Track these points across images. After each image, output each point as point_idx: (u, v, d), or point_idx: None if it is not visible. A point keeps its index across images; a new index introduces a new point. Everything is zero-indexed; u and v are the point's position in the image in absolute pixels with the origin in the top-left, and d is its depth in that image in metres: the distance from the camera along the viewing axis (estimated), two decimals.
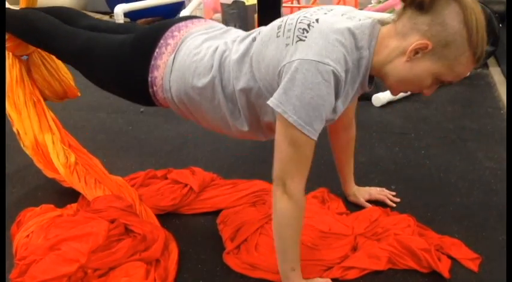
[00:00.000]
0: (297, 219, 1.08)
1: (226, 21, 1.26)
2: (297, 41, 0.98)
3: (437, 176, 1.73)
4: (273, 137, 1.18)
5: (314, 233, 1.34)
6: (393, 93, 1.13)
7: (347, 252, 1.28)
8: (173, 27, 1.20)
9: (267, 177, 1.63)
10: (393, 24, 1.03)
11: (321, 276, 1.21)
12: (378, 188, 1.58)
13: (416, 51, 0.99)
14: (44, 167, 1.58)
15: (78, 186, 1.52)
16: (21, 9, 1.53)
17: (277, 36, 1.03)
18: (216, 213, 1.48)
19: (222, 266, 1.27)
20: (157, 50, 1.17)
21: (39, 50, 1.57)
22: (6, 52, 1.53)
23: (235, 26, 1.87)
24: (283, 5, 3.64)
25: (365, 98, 2.40)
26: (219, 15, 3.92)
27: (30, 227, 1.34)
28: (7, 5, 1.52)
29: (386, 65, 1.04)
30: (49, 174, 1.58)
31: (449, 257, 1.27)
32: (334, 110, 1.04)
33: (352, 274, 1.22)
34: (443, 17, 0.95)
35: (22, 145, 1.57)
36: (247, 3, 3.66)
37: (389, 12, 3.38)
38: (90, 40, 1.29)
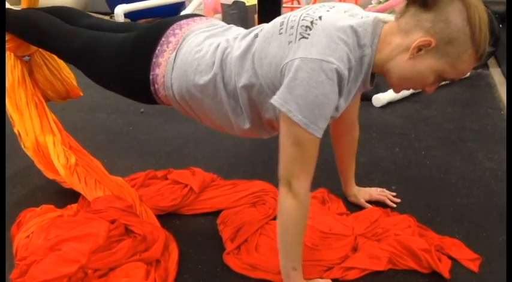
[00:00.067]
0: (301, 218, 1.08)
1: (226, 22, 1.27)
2: (300, 38, 0.98)
3: (437, 177, 1.73)
4: (274, 134, 1.19)
5: (314, 233, 1.34)
6: (395, 90, 1.13)
7: (347, 253, 1.28)
8: (174, 25, 1.20)
9: (267, 177, 1.64)
10: (396, 21, 1.04)
11: (321, 277, 1.21)
12: (378, 189, 1.58)
13: (419, 48, 0.99)
14: (45, 168, 1.58)
15: (79, 187, 1.52)
16: (23, 9, 1.53)
17: (279, 33, 1.03)
18: (216, 213, 1.48)
19: (222, 266, 1.27)
20: (158, 47, 1.17)
21: (41, 50, 1.57)
22: (8, 53, 1.53)
23: None
24: (284, 5, 3.64)
25: (365, 99, 2.40)
26: (219, 16, 3.93)
27: (31, 228, 1.34)
28: (8, 6, 1.51)
29: (389, 62, 1.04)
30: (50, 175, 1.58)
31: (450, 257, 1.27)
32: (337, 108, 1.04)
33: (353, 274, 1.22)
34: (446, 14, 0.95)
35: (23, 146, 1.57)
36: (247, 4, 3.67)
37: (389, 13, 3.38)
38: (91, 39, 1.29)
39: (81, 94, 1.73)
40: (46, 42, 1.40)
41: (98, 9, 4.71)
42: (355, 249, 1.31)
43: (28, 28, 1.43)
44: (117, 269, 1.21)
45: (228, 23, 1.29)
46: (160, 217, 1.44)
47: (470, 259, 1.27)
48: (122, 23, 1.68)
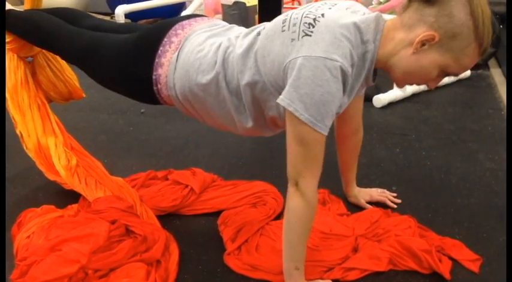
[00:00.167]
0: (307, 217, 1.08)
1: (227, 22, 1.27)
2: (303, 36, 0.98)
3: (438, 177, 1.73)
4: (277, 132, 1.19)
5: (315, 234, 1.34)
6: (399, 85, 1.13)
7: (348, 253, 1.28)
8: (177, 26, 1.20)
9: (268, 177, 1.64)
10: (398, 17, 1.04)
11: (321, 277, 1.21)
12: (379, 190, 1.58)
13: (423, 43, 0.99)
14: (46, 170, 1.59)
15: (79, 188, 1.52)
16: (26, 10, 1.53)
17: (282, 31, 1.03)
18: (217, 214, 1.48)
19: (223, 266, 1.27)
20: (161, 48, 1.17)
21: (44, 51, 1.57)
22: (11, 54, 1.53)
23: None
24: (284, 5, 3.64)
25: (366, 99, 2.39)
26: (219, 16, 3.93)
27: (31, 228, 1.34)
28: (11, 7, 1.51)
29: (392, 57, 1.04)
30: (51, 176, 1.58)
31: (450, 258, 1.27)
32: (340, 105, 1.04)
33: (353, 275, 1.22)
34: (450, 8, 0.95)
35: (25, 147, 1.57)
36: (248, 4, 3.67)
37: (390, 13, 3.38)
38: (93, 40, 1.29)
39: (84, 95, 1.73)
40: (49, 43, 1.40)
41: (99, 10, 4.71)
42: (355, 250, 1.31)
43: (31, 29, 1.44)
44: (117, 269, 1.20)
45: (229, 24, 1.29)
46: (160, 217, 1.44)
47: (470, 260, 1.27)
48: (124, 23, 1.69)
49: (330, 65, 0.95)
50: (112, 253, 1.22)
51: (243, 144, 1.99)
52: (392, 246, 1.28)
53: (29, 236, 1.31)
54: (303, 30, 0.99)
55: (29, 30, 1.45)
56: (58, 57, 1.58)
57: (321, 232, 1.36)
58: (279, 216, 1.45)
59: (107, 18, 4.30)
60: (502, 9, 2.64)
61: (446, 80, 2.69)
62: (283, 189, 1.50)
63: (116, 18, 3.50)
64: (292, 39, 1.00)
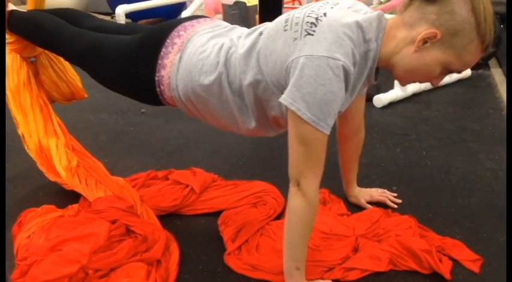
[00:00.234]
0: (308, 217, 1.08)
1: (227, 22, 1.26)
2: (306, 35, 0.99)
3: (438, 177, 1.72)
4: (280, 132, 1.19)
5: (315, 234, 1.34)
6: (401, 83, 1.13)
7: (348, 253, 1.28)
8: (179, 27, 1.20)
9: (268, 177, 1.64)
10: (400, 15, 1.04)
11: (322, 278, 1.21)
12: (379, 190, 1.58)
13: (425, 41, 0.99)
14: (47, 170, 1.59)
15: (79, 188, 1.52)
16: (29, 11, 1.53)
17: (284, 30, 1.03)
18: (217, 214, 1.48)
19: (223, 266, 1.27)
20: (163, 49, 1.17)
21: (46, 51, 1.57)
22: (14, 54, 1.53)
23: None
24: (285, 5, 3.64)
25: (366, 99, 2.39)
26: (220, 16, 3.92)
27: (32, 228, 1.34)
28: (14, 7, 1.52)
29: (395, 56, 1.05)
30: (51, 177, 1.59)
31: (451, 258, 1.27)
32: (343, 104, 1.04)
33: (353, 275, 1.22)
34: (451, 5, 0.95)
35: (26, 148, 1.58)
36: (248, 4, 3.67)
37: (390, 13, 3.38)
38: (96, 41, 1.29)
39: (86, 95, 1.73)
40: (51, 43, 1.41)
41: (99, 10, 4.71)
42: (356, 250, 1.31)
43: (34, 30, 1.44)
44: (118, 269, 1.20)
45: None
46: (161, 217, 1.44)
47: (471, 260, 1.27)
48: (126, 24, 1.69)
49: (333, 64, 0.95)
50: (112, 253, 1.22)
51: (244, 144, 1.99)
52: (393, 246, 1.28)
53: (29, 236, 1.31)
54: (305, 30, 0.99)
55: (31, 30, 1.45)
56: (61, 58, 1.58)
57: (322, 232, 1.36)
58: (280, 216, 1.45)
59: (107, 18, 4.30)
60: (502, 9, 2.64)
61: (447, 79, 2.69)
62: (283, 189, 1.50)
63: (117, 18, 3.49)
64: (295, 39, 1.00)
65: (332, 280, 1.20)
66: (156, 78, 1.18)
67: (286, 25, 1.03)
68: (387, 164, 1.83)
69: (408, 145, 2.00)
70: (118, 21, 3.42)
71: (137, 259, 1.23)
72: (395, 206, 1.52)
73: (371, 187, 1.58)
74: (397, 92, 2.48)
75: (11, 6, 1.49)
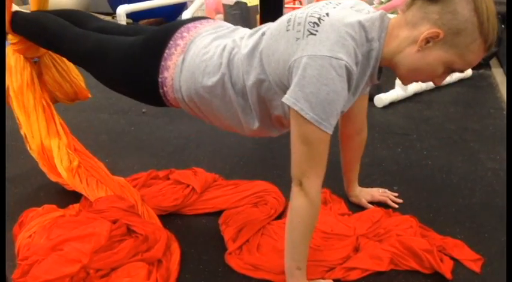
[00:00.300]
0: (310, 217, 1.08)
1: (228, 22, 1.26)
2: (308, 34, 0.99)
3: (439, 177, 1.72)
4: (284, 132, 1.19)
5: (316, 233, 1.34)
6: (404, 82, 1.13)
7: (349, 253, 1.28)
8: (182, 28, 1.20)
9: (269, 177, 1.64)
10: (402, 15, 1.04)
11: (323, 277, 1.21)
12: (380, 189, 1.58)
13: (427, 40, 1.00)
14: (49, 171, 1.59)
15: (80, 188, 1.52)
16: (32, 12, 1.53)
17: (286, 30, 1.03)
18: (218, 213, 1.48)
19: (224, 266, 1.27)
20: (167, 50, 1.17)
21: (50, 52, 1.58)
22: (18, 55, 1.54)
23: None
24: (285, 5, 3.64)
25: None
26: (221, 16, 3.93)
27: (33, 228, 1.34)
28: (17, 8, 1.52)
29: (397, 55, 1.05)
30: (53, 178, 1.59)
31: (452, 258, 1.27)
32: (345, 104, 1.04)
33: (354, 275, 1.22)
34: (454, 5, 0.95)
35: (29, 148, 1.58)
36: (249, 4, 3.67)
37: (392, 13, 3.38)
38: (99, 42, 1.29)
39: (89, 96, 1.73)
40: (55, 45, 1.41)
41: (100, 10, 4.72)
42: (356, 250, 1.31)
43: (38, 31, 1.44)
44: (118, 269, 1.21)
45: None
46: (162, 217, 1.45)
47: (472, 260, 1.27)
48: (130, 25, 1.69)
49: (335, 63, 0.95)
50: (113, 253, 1.22)
51: (245, 144, 1.99)
52: (394, 246, 1.28)
53: (30, 236, 1.32)
54: (307, 29, 0.99)
55: (35, 31, 1.45)
56: (64, 58, 1.58)
57: (323, 232, 1.36)
58: (280, 216, 1.45)
59: (108, 18, 4.31)
60: (502, 9, 2.64)
61: (448, 79, 2.69)
62: (284, 189, 1.51)
63: (117, 18, 3.50)
64: (297, 39, 1.00)
65: (333, 280, 1.20)
66: (160, 80, 1.18)
67: (288, 25, 1.04)
68: (388, 163, 1.83)
69: (409, 145, 2.00)
70: (119, 22, 3.42)
71: (138, 259, 1.23)
72: (396, 206, 1.52)
73: (372, 187, 1.58)
74: (398, 91, 2.48)
75: (14, 7, 1.49)
